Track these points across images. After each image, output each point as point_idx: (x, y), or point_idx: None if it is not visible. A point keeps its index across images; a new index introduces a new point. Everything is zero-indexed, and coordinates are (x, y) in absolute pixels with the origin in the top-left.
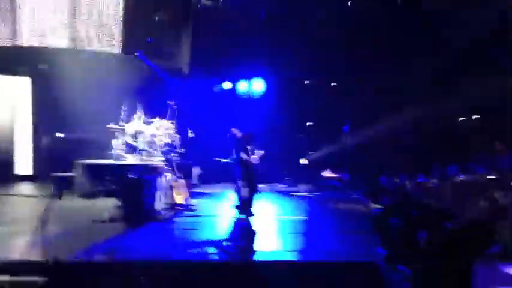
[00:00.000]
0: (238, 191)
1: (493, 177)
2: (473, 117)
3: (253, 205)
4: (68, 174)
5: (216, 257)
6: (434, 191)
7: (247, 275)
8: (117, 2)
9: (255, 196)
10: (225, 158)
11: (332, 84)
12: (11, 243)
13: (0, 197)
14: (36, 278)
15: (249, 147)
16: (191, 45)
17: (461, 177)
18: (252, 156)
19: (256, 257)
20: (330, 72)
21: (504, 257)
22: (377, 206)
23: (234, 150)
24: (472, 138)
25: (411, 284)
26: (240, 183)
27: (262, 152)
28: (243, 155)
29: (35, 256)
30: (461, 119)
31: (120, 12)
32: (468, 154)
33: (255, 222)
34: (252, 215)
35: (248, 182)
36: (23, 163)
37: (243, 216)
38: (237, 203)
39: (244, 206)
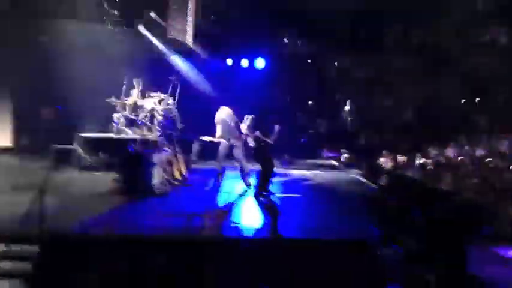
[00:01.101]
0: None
1: (489, 159)
2: (476, 100)
3: (267, 184)
4: (69, 146)
5: (212, 232)
6: (431, 171)
7: (239, 250)
8: None
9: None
10: (210, 136)
11: (334, 63)
12: (7, 214)
13: None
14: (31, 248)
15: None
16: (194, 20)
17: (459, 158)
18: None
19: (249, 233)
20: (331, 51)
21: (496, 239)
22: (374, 185)
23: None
24: (472, 119)
25: (404, 262)
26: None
27: (277, 127)
28: (257, 133)
29: (31, 227)
30: (462, 100)
31: None
32: (467, 135)
33: (250, 199)
34: (262, 194)
35: (262, 161)
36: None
37: (261, 195)
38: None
39: (259, 185)
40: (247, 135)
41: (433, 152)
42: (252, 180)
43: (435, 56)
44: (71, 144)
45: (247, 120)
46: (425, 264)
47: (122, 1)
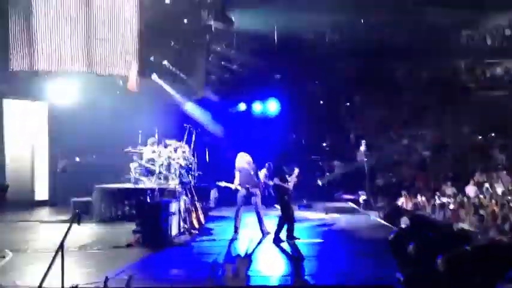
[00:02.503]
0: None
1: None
2: (492, 134)
3: (288, 230)
4: (87, 199)
5: (234, 282)
6: (452, 211)
7: None
8: (132, 26)
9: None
10: (227, 182)
11: (347, 104)
12: (28, 269)
13: (18, 223)
14: None
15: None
16: (206, 68)
17: (480, 197)
18: (288, 182)
19: (272, 281)
20: (344, 92)
21: None
22: (394, 227)
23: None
24: (490, 156)
25: None
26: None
27: (297, 170)
28: (276, 180)
29: (53, 283)
30: (479, 137)
31: (136, 37)
32: (488, 173)
33: (271, 246)
34: (281, 241)
35: (282, 207)
36: (41, 188)
37: (281, 242)
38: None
39: (280, 231)
40: (265, 182)
41: (452, 191)
42: (271, 227)
43: (449, 93)
44: (90, 196)
45: (266, 167)
46: None
47: (135, 51)
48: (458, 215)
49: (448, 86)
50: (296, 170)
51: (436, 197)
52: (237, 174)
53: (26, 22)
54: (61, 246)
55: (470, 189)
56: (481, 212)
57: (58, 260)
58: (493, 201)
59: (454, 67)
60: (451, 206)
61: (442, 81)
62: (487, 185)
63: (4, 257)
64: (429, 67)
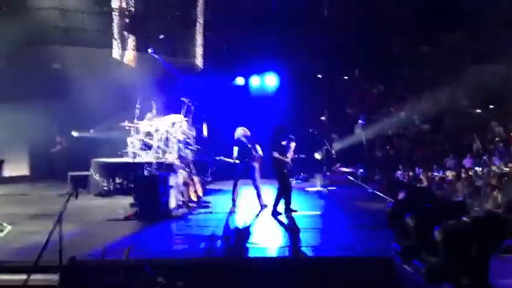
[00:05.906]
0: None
1: (508, 169)
2: (490, 107)
3: (285, 203)
4: (84, 173)
5: (231, 254)
6: (449, 183)
7: (260, 271)
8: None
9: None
10: (228, 157)
11: (344, 77)
12: (26, 242)
13: (16, 196)
14: (51, 277)
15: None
16: (203, 41)
17: (476, 169)
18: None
19: (269, 253)
20: (342, 66)
21: None
22: (392, 200)
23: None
24: (486, 129)
25: (426, 278)
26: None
27: (293, 144)
28: (275, 154)
29: (51, 256)
30: (477, 110)
31: (133, 11)
32: (484, 145)
33: (269, 218)
34: (279, 213)
35: (280, 180)
36: (38, 163)
37: (279, 214)
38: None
39: (277, 204)
40: (261, 156)
41: (449, 163)
42: (269, 200)
43: (446, 66)
44: (87, 170)
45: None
46: (448, 279)
47: (132, 26)
48: (456, 187)
49: (445, 58)
50: (292, 144)
51: (434, 170)
52: (235, 148)
53: None
54: (59, 219)
55: (468, 162)
56: (478, 183)
57: (56, 232)
58: (490, 173)
59: (451, 39)
60: (449, 178)
61: (439, 53)
62: (484, 157)
63: (2, 230)
64: (427, 39)
